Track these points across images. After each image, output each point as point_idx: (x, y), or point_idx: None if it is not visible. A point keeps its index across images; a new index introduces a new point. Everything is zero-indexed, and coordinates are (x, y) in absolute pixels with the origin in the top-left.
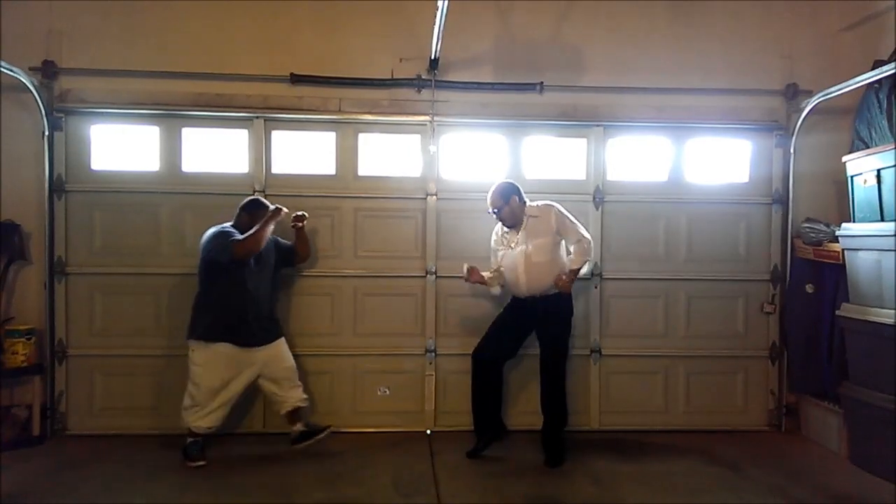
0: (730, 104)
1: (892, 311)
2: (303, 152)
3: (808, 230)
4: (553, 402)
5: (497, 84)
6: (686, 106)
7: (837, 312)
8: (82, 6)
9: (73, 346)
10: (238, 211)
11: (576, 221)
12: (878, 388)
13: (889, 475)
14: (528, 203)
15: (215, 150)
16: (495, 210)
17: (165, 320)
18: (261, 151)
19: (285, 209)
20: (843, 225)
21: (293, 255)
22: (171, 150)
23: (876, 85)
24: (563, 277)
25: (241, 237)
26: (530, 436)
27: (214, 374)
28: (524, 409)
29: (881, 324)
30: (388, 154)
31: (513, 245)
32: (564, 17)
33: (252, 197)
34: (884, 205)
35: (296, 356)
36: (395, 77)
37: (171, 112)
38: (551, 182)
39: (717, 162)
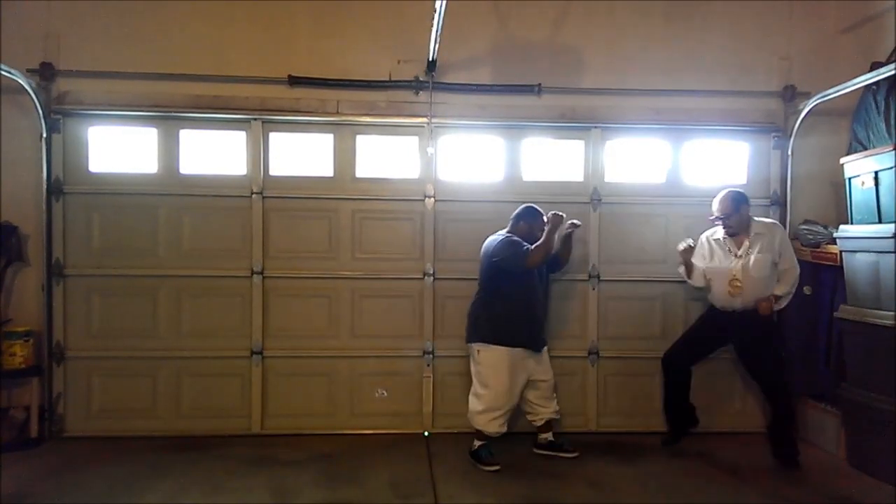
0: (728, 106)
1: (890, 313)
2: (301, 154)
3: (805, 232)
4: (775, 410)
5: (495, 86)
6: (684, 108)
7: (835, 314)
8: (80, 8)
9: (71, 347)
10: (515, 219)
11: (794, 252)
12: (875, 390)
13: (887, 477)
14: (753, 218)
15: (213, 152)
16: (724, 216)
17: (163, 322)
18: (259, 153)
19: (564, 214)
20: (841, 227)
21: (557, 259)
22: (169, 151)
23: (874, 87)
24: (765, 303)
25: (532, 247)
26: (528, 438)
27: (503, 376)
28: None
29: (879, 325)
30: (386, 156)
31: (735, 254)
32: (562, 19)
33: (527, 205)
34: (881, 207)
35: (295, 358)
36: (393, 79)
37: (169, 114)
38: (549, 184)
39: (714, 164)
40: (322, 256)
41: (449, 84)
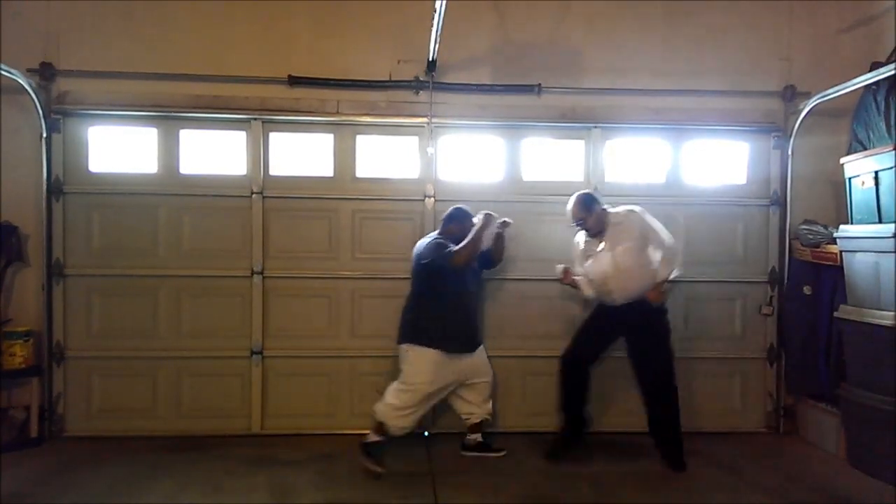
0: (727, 106)
1: (890, 313)
2: (301, 154)
3: (805, 232)
4: (663, 408)
5: (495, 86)
6: (684, 108)
7: (835, 314)
8: (80, 8)
9: (71, 347)
10: (445, 221)
11: (659, 227)
12: (875, 390)
13: (886, 477)
14: (608, 209)
15: (213, 152)
16: (579, 221)
17: (163, 322)
18: (259, 153)
19: (496, 214)
20: (841, 227)
21: (490, 258)
22: (169, 151)
23: (874, 87)
24: (653, 291)
25: (458, 246)
26: (529, 437)
27: (427, 377)
28: (523, 410)
29: (879, 325)
30: (386, 156)
31: (598, 252)
32: (562, 18)
33: (456, 206)
34: (881, 206)
35: (295, 358)
36: (393, 79)
37: (169, 114)
38: (549, 184)
39: (714, 164)
40: (322, 256)
41: (449, 84)
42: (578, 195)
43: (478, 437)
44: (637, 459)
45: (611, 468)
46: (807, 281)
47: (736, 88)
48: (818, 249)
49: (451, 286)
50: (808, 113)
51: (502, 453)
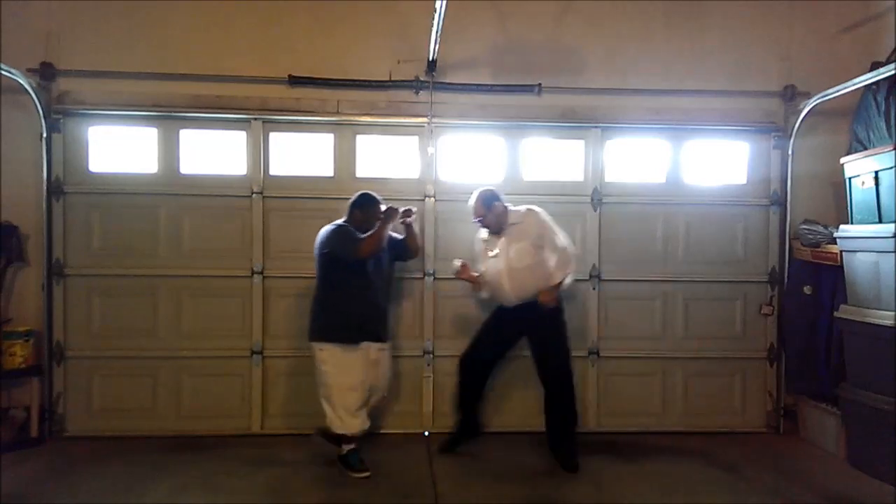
0: (728, 106)
1: (890, 313)
2: (301, 154)
3: (806, 232)
4: (560, 406)
5: (495, 86)
6: (684, 107)
7: (835, 314)
8: (80, 8)
9: (72, 347)
10: (350, 208)
11: (557, 230)
12: (876, 390)
13: (887, 477)
14: (510, 207)
15: (213, 152)
16: (479, 218)
17: (163, 322)
18: (259, 153)
19: (399, 209)
20: (841, 227)
21: (405, 249)
22: (170, 151)
23: (874, 87)
24: (545, 293)
25: (363, 236)
26: (528, 437)
27: (349, 372)
28: (523, 410)
29: (879, 325)
30: (386, 156)
31: (495, 251)
32: (562, 18)
33: (362, 192)
34: (882, 206)
35: (295, 357)
36: (393, 79)
37: (170, 114)
38: (549, 184)
39: (715, 163)
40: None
41: (449, 84)
42: (480, 191)
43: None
44: (637, 460)
45: (611, 468)
46: (807, 281)
47: (736, 88)
48: (818, 249)
49: (354, 276)
50: (808, 113)
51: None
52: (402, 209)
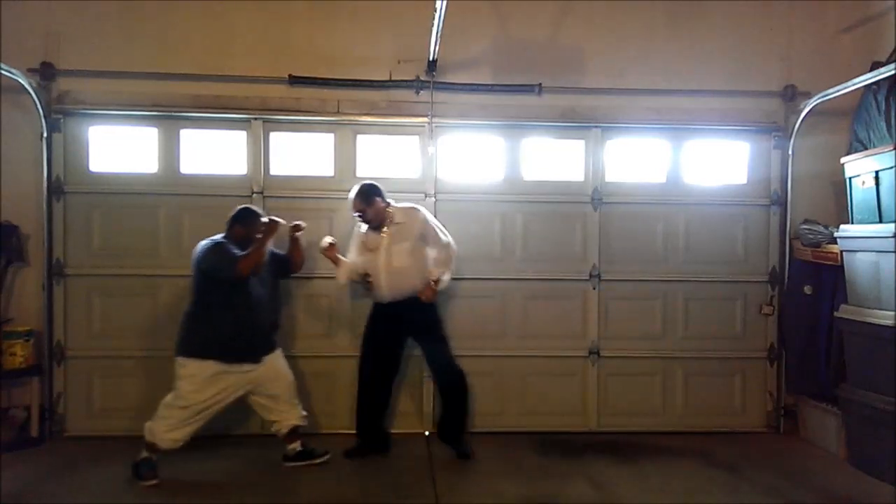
0: (728, 106)
1: (891, 313)
2: (301, 154)
3: (806, 231)
4: (454, 398)
5: (495, 86)
6: (684, 107)
7: (836, 314)
8: (80, 8)
9: (72, 347)
10: (230, 222)
11: (440, 228)
12: (876, 390)
13: (887, 476)
14: (392, 204)
15: (214, 152)
16: (359, 213)
17: (164, 322)
18: (259, 153)
19: (282, 220)
20: (842, 226)
21: (289, 264)
22: (170, 151)
23: (874, 87)
24: (426, 290)
25: (242, 254)
26: (527, 437)
27: (204, 392)
28: (522, 410)
29: (879, 325)
30: (386, 155)
31: (375, 248)
32: (563, 18)
33: (243, 206)
34: (882, 206)
35: (294, 358)
36: (393, 78)
37: (170, 113)
38: (549, 183)
39: (715, 163)
40: (323, 256)
41: (449, 84)
42: (360, 185)
43: (296, 446)
44: (637, 459)
45: (611, 468)
46: (807, 281)
47: (736, 88)
48: (819, 249)
49: (232, 293)
50: (808, 113)
51: (326, 456)
52: (291, 223)
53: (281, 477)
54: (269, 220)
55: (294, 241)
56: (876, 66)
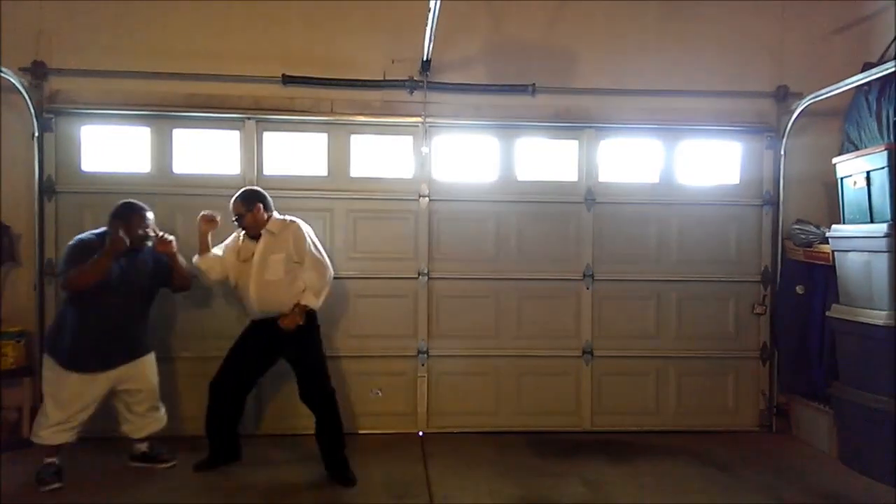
0: (720, 106)
1: (882, 312)
2: (295, 153)
3: (798, 232)
4: (329, 428)
5: (489, 86)
6: (677, 108)
7: (827, 313)
8: (72, 6)
9: None
10: (109, 218)
11: (317, 245)
12: (867, 389)
13: (878, 475)
14: (274, 215)
15: (207, 152)
16: (237, 216)
17: (157, 322)
18: (252, 153)
19: (127, 240)
20: (833, 226)
21: (170, 281)
22: (163, 151)
23: (865, 87)
24: (287, 317)
25: (74, 268)
26: (521, 437)
27: (68, 392)
28: (518, 409)
29: (871, 325)
30: (380, 155)
31: (247, 258)
32: (556, 19)
33: (124, 201)
34: (873, 206)
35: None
36: (387, 78)
37: (163, 113)
38: (543, 183)
39: (707, 164)
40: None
41: (443, 84)
42: (245, 189)
43: (143, 446)
44: (630, 459)
45: (605, 468)
46: (799, 280)
47: (729, 89)
48: (810, 249)
49: (90, 298)
50: (800, 113)
51: (173, 463)
52: (161, 235)
53: (274, 477)
54: (115, 236)
55: (170, 260)
56: (867, 66)
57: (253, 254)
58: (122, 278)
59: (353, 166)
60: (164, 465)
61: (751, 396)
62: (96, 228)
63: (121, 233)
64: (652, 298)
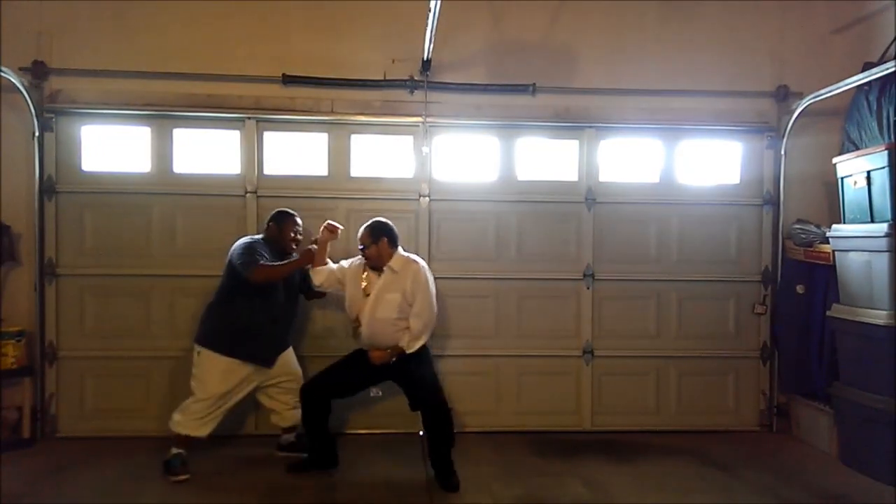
0: (721, 106)
1: (882, 312)
2: (295, 153)
3: (798, 231)
4: (441, 438)
5: (490, 85)
6: (677, 108)
7: (828, 313)
8: (73, 6)
9: (64, 347)
10: (267, 221)
11: (431, 292)
12: (867, 389)
13: (878, 474)
14: (398, 251)
15: (207, 152)
16: (362, 246)
17: (156, 322)
18: (253, 152)
19: (314, 249)
20: (834, 226)
21: (306, 289)
22: (163, 150)
23: (866, 87)
24: (379, 353)
25: (265, 262)
26: (521, 437)
27: (220, 383)
28: (518, 409)
29: (871, 324)
30: (380, 155)
31: (366, 290)
32: (557, 19)
33: (280, 209)
34: (874, 206)
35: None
36: (387, 78)
37: (163, 113)
38: (544, 183)
39: (708, 164)
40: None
41: (444, 83)
42: (375, 221)
43: (291, 437)
44: (631, 459)
45: (605, 467)
46: (800, 280)
47: (729, 89)
48: (811, 249)
49: (256, 293)
50: (800, 113)
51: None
52: (307, 249)
53: (275, 477)
54: (308, 253)
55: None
56: (867, 66)
57: (371, 287)
58: (286, 280)
59: (354, 166)
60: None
61: (751, 396)
62: (98, 229)
63: (312, 248)
64: (652, 298)
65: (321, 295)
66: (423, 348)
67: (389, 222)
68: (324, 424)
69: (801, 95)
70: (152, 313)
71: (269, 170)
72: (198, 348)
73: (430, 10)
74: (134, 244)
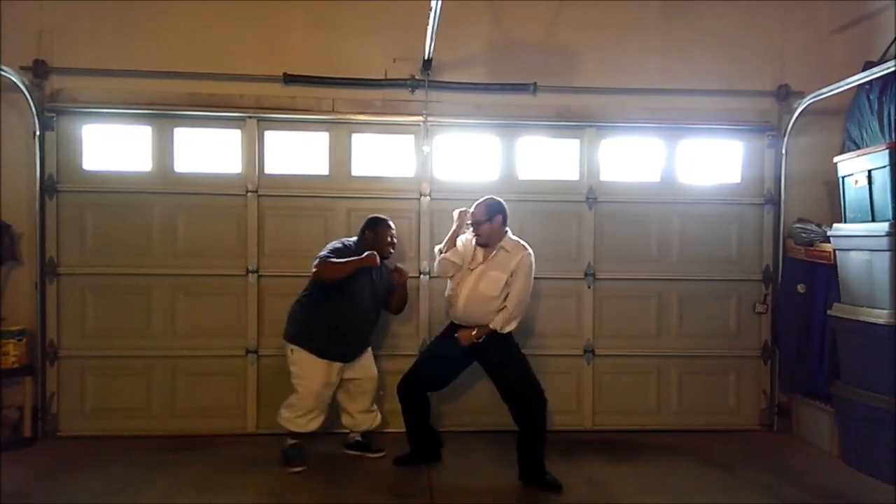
0: (722, 105)
1: (883, 311)
2: (296, 153)
3: (799, 230)
4: (532, 439)
5: (490, 85)
6: (678, 107)
7: (829, 312)
8: (74, 5)
9: (65, 346)
10: (361, 228)
11: (530, 282)
12: (868, 388)
13: (880, 474)
14: (508, 233)
15: (208, 151)
16: (475, 223)
17: (157, 321)
18: (254, 152)
19: (378, 258)
20: (835, 225)
21: (386, 303)
22: (164, 150)
23: (867, 86)
24: (465, 334)
25: (333, 259)
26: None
27: (314, 378)
28: None
29: (872, 323)
30: (381, 154)
31: (471, 265)
32: (558, 18)
33: (374, 215)
34: (875, 205)
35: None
36: (388, 77)
37: (164, 112)
38: (545, 183)
39: (709, 163)
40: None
41: (444, 83)
42: (489, 198)
43: (356, 435)
44: (632, 458)
45: (606, 467)
46: (801, 279)
47: (730, 88)
48: (812, 248)
49: (343, 293)
50: (801, 112)
51: (381, 454)
52: (395, 266)
53: (276, 476)
54: (371, 258)
55: (401, 289)
56: (868, 65)
57: (477, 263)
58: (372, 287)
59: (355, 165)
60: (374, 455)
61: (752, 395)
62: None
63: (376, 257)
64: (653, 297)
65: (402, 309)
66: (510, 339)
67: (503, 201)
68: (423, 419)
69: (802, 95)
70: (153, 312)
71: (270, 169)
72: (290, 346)
73: (430, 10)
74: (135, 243)
